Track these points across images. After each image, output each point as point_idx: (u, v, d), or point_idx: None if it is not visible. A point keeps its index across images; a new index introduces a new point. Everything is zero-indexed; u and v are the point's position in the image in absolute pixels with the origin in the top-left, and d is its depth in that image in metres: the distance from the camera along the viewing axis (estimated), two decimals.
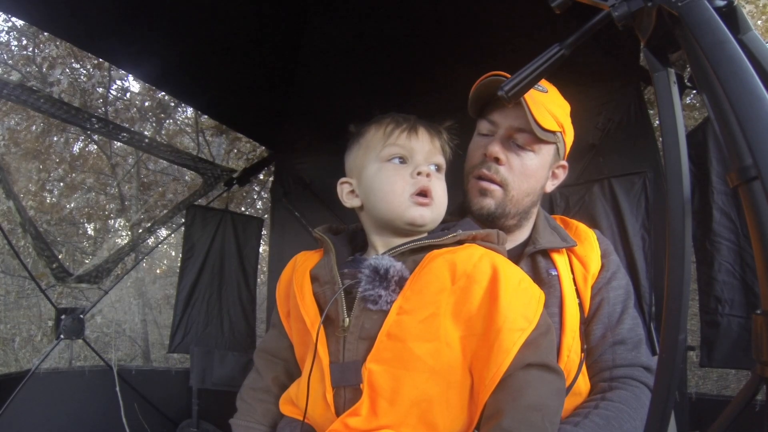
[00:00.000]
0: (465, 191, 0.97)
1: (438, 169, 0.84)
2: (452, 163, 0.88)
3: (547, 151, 0.94)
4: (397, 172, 0.80)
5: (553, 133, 0.91)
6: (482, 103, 0.97)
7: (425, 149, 0.82)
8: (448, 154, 0.87)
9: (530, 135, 0.90)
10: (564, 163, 0.99)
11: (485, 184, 0.93)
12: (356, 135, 0.87)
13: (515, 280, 0.76)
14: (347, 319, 0.75)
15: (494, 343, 0.70)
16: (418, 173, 0.79)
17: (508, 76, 0.96)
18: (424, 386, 0.71)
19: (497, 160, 0.92)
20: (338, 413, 0.74)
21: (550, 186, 0.99)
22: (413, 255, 0.78)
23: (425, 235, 0.84)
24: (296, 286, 0.83)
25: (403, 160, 0.81)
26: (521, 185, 0.92)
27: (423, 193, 0.79)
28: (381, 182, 0.80)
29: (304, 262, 0.89)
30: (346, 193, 0.87)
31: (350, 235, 0.92)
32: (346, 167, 0.89)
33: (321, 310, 0.78)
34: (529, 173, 0.92)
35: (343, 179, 0.87)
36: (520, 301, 0.74)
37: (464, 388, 0.73)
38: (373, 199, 0.82)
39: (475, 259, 0.76)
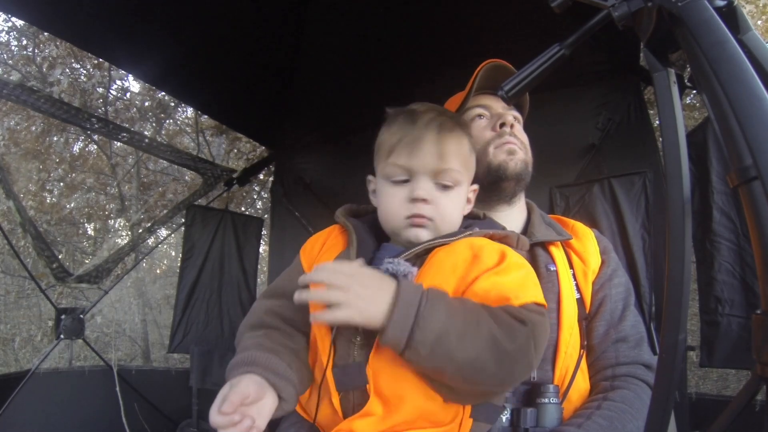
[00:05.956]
0: (485, 166, 0.99)
1: (446, 187, 0.78)
2: None
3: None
4: (395, 193, 0.77)
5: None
6: (482, 84, 1.06)
7: (429, 167, 0.76)
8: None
9: (516, 110, 1.05)
10: None
11: (512, 146, 1.00)
12: (383, 127, 0.82)
13: (524, 269, 0.75)
14: None
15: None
16: (413, 198, 0.75)
17: (509, 65, 1.03)
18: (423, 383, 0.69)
19: (512, 126, 1.01)
20: (346, 417, 0.73)
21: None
22: (428, 254, 0.76)
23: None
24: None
25: (403, 180, 0.77)
26: (528, 146, 1.03)
27: (417, 216, 0.76)
28: (383, 200, 0.79)
29: (331, 248, 0.84)
30: (370, 192, 0.85)
31: (373, 219, 0.86)
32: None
33: None
34: (526, 141, 1.04)
35: (370, 177, 0.85)
36: (520, 282, 0.73)
37: None
38: (379, 212, 0.81)
39: (478, 244, 0.75)
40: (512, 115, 1.03)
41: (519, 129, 1.04)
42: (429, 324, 0.62)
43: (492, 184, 0.99)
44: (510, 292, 0.70)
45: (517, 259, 0.76)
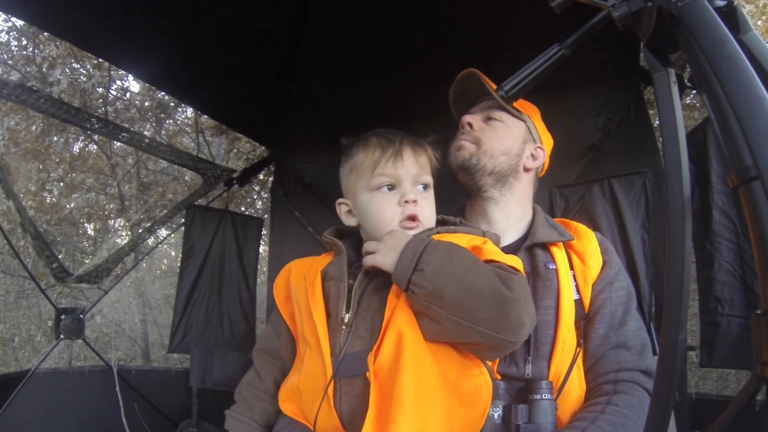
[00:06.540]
0: (450, 167, 1.06)
1: (426, 187, 0.90)
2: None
3: (515, 125, 1.05)
4: (386, 201, 0.86)
5: (517, 111, 1.04)
6: (459, 102, 1.13)
7: (411, 173, 0.87)
8: (435, 167, 0.94)
9: (496, 109, 1.04)
10: (540, 145, 1.08)
11: (461, 143, 1.05)
12: (347, 155, 0.92)
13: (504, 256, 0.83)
14: (348, 315, 0.81)
15: None
16: (406, 201, 0.86)
17: (480, 73, 1.07)
18: (424, 368, 0.75)
19: (470, 125, 1.05)
20: (338, 412, 0.77)
21: (531, 162, 1.06)
22: None
23: None
24: (308, 284, 0.88)
25: (391, 186, 0.87)
26: (493, 142, 1.02)
27: (411, 218, 0.85)
28: (373, 211, 0.87)
29: (299, 268, 0.95)
30: (344, 213, 0.93)
31: (357, 239, 0.96)
32: (341, 185, 0.95)
33: (327, 304, 0.85)
34: (500, 134, 1.03)
35: (340, 200, 0.94)
36: (505, 257, 0.82)
37: (458, 364, 0.79)
38: (367, 225, 0.89)
39: (465, 239, 0.84)
40: (471, 117, 1.06)
41: (479, 126, 1.05)
42: (430, 257, 0.73)
43: (457, 184, 1.06)
44: (500, 258, 0.81)
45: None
